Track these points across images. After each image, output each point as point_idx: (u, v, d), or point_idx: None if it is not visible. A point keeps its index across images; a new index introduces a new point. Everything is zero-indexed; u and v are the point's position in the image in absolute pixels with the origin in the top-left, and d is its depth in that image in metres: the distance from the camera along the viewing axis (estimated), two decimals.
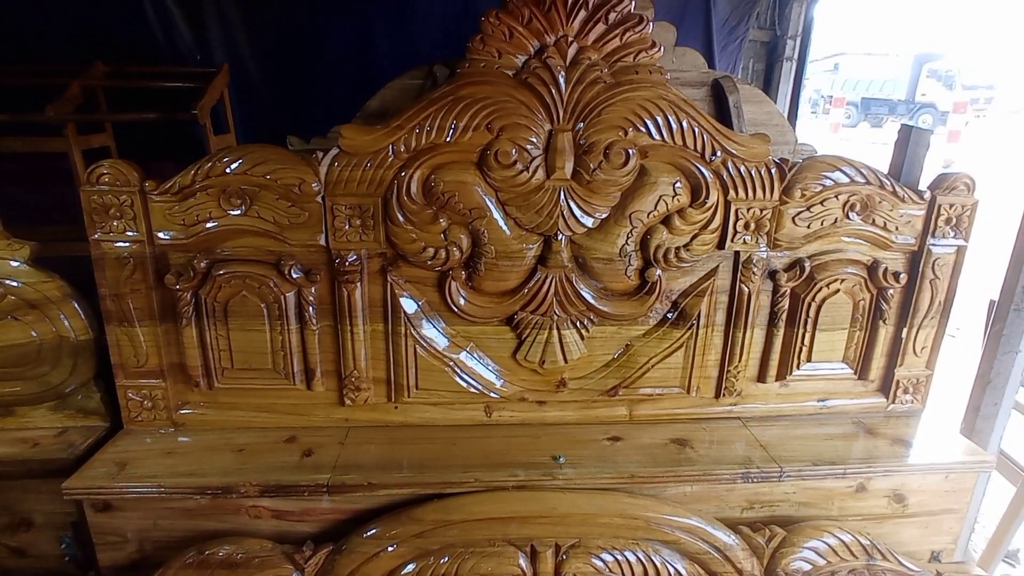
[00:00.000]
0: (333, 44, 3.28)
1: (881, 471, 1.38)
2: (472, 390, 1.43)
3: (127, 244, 1.29)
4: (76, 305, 1.40)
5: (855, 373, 1.55)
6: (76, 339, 1.40)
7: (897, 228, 1.43)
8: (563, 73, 1.25)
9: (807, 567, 1.31)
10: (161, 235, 1.30)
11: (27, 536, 1.44)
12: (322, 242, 1.31)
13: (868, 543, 1.33)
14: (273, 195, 1.28)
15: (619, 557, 1.28)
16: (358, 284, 1.34)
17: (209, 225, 1.30)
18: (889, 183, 1.40)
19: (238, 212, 1.29)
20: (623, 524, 1.27)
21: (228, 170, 1.27)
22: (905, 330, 1.50)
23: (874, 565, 1.33)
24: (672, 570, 1.29)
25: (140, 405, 1.39)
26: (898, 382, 1.55)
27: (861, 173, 1.38)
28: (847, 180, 1.38)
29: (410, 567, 1.25)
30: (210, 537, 1.26)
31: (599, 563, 1.28)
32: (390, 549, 1.24)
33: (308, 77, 3.29)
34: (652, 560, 1.29)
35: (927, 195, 1.42)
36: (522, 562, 1.27)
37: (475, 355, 1.43)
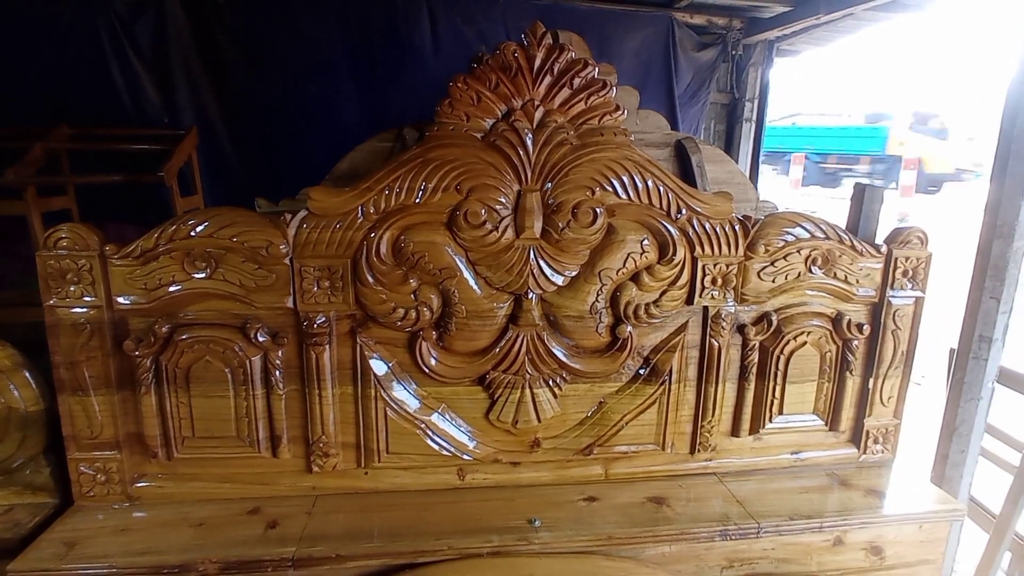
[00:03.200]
0: (302, 107, 3.33)
1: (857, 523, 1.37)
2: (444, 452, 1.40)
3: (84, 310, 1.25)
4: (27, 375, 1.33)
5: (826, 424, 1.56)
6: (26, 410, 1.33)
7: (858, 280, 1.47)
8: (530, 135, 1.28)
9: None
10: (121, 300, 1.27)
11: None
12: (290, 304, 1.29)
13: None
14: (239, 258, 1.26)
15: None
16: (326, 346, 1.31)
17: (172, 289, 1.27)
18: (847, 238, 1.45)
19: (203, 275, 1.26)
20: None
21: (193, 233, 1.25)
22: (872, 380, 1.53)
23: None
24: None
25: (92, 479, 1.32)
26: (868, 432, 1.57)
27: (820, 228, 1.43)
28: (808, 235, 1.43)
29: None
30: None
31: None
32: None
33: (277, 140, 3.32)
34: None
35: (884, 248, 1.47)
36: None
37: (447, 416, 1.40)
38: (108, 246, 1.24)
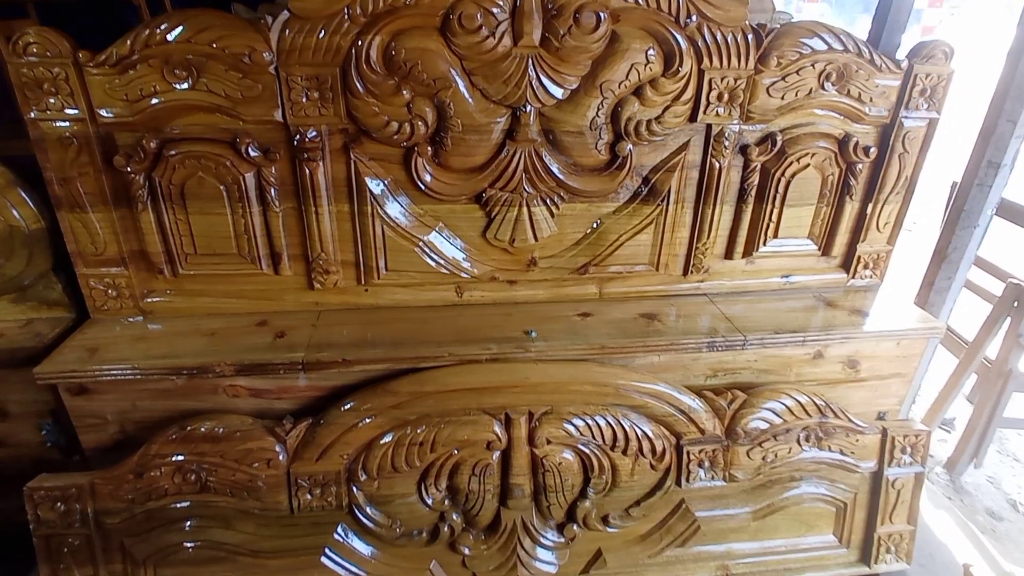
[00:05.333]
0: None
1: (839, 338, 1.44)
2: (442, 270, 1.43)
3: (68, 124, 1.21)
4: (22, 192, 1.33)
5: (819, 249, 1.58)
6: (27, 228, 1.34)
7: (871, 99, 1.41)
8: None
9: (764, 426, 1.40)
10: (104, 113, 1.22)
11: (3, 426, 1.46)
12: (279, 117, 1.24)
13: (822, 403, 1.42)
14: (222, 66, 1.19)
15: (590, 422, 1.35)
16: (320, 163, 1.29)
17: (154, 101, 1.21)
18: (867, 51, 1.36)
19: (185, 86, 1.20)
20: (593, 391, 1.33)
21: (169, 37, 1.17)
22: (870, 206, 1.52)
23: (826, 423, 1.43)
24: (640, 432, 1.37)
25: (104, 294, 1.37)
26: (859, 258, 1.59)
27: (840, 40, 1.34)
28: (825, 48, 1.34)
29: (388, 437, 1.30)
30: (191, 416, 1.28)
31: (570, 428, 1.35)
32: (368, 420, 1.28)
33: None
34: (621, 424, 1.36)
35: (904, 64, 1.39)
36: (497, 429, 1.33)
37: (444, 235, 1.41)
38: (81, 53, 1.17)
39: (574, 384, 1.31)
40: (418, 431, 1.30)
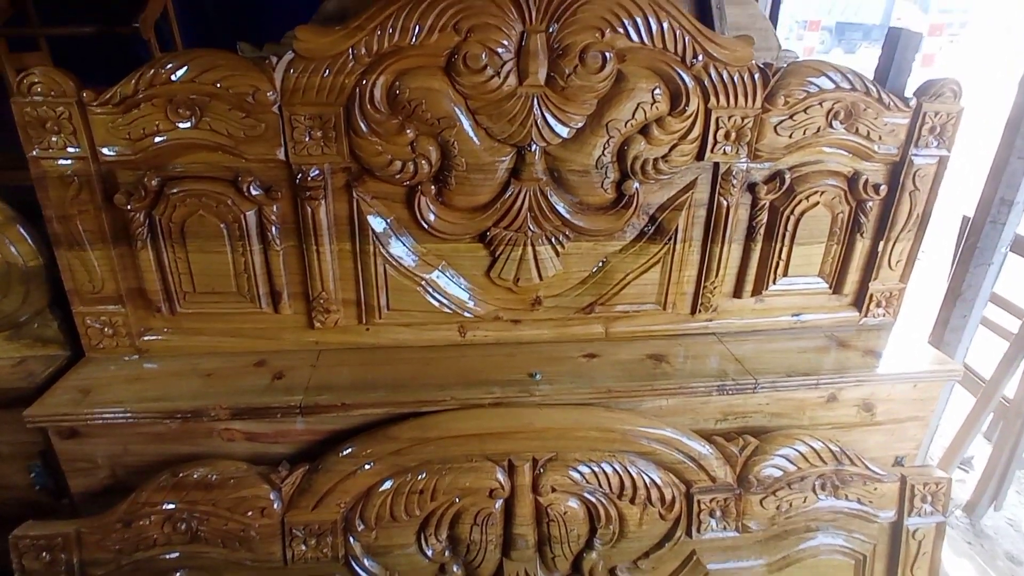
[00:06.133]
0: None
1: (853, 381, 1.40)
2: (445, 310, 1.40)
3: (69, 161, 1.20)
4: (20, 229, 1.31)
5: (830, 287, 1.55)
6: (25, 265, 1.33)
7: (880, 137, 1.39)
8: None
9: (778, 473, 1.35)
10: (106, 151, 1.21)
11: None
12: (281, 156, 1.23)
13: (837, 449, 1.37)
14: (225, 105, 1.19)
15: (596, 469, 1.30)
16: (322, 201, 1.27)
17: (157, 139, 1.20)
18: (875, 89, 1.35)
19: (188, 124, 1.20)
20: (600, 437, 1.28)
21: (174, 77, 1.16)
22: (882, 243, 1.49)
23: (842, 470, 1.38)
24: (647, 480, 1.32)
25: (100, 332, 1.34)
26: (871, 296, 1.56)
27: (847, 79, 1.33)
28: (832, 86, 1.33)
29: (388, 484, 1.26)
30: (184, 461, 1.25)
31: (576, 475, 1.30)
32: (367, 467, 1.23)
33: None
34: (628, 471, 1.31)
35: (913, 102, 1.37)
36: (500, 476, 1.28)
37: (447, 274, 1.39)
38: (86, 92, 1.17)
39: (580, 430, 1.27)
40: (419, 478, 1.26)
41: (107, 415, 1.21)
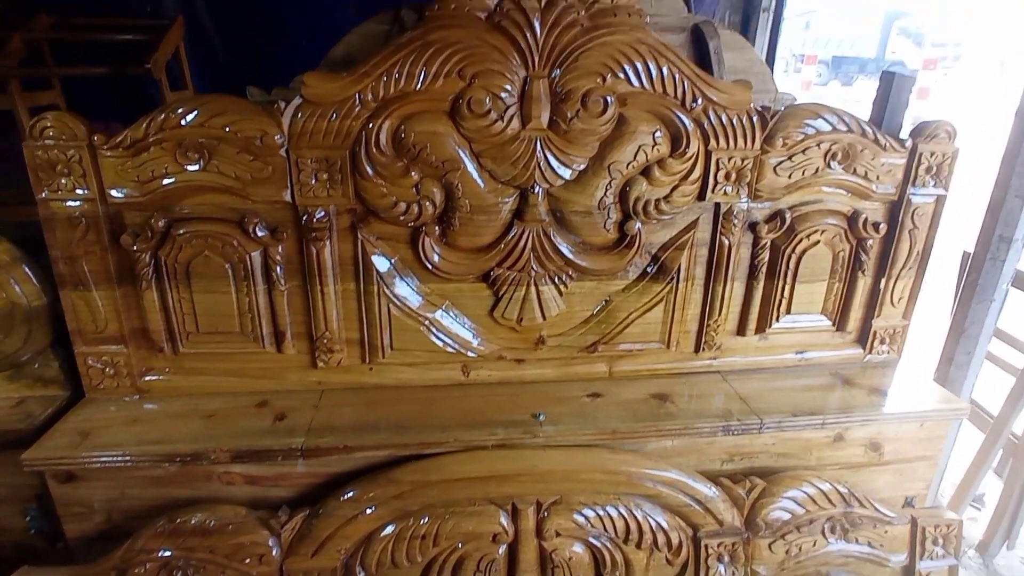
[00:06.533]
0: None
1: (859, 420, 1.39)
2: (449, 349, 1.40)
3: (78, 203, 1.21)
4: (26, 269, 1.32)
5: (833, 325, 1.55)
6: (29, 305, 1.33)
7: (878, 177, 1.41)
8: (538, 16, 1.18)
9: (786, 516, 1.32)
10: (114, 193, 1.22)
11: None
12: (287, 198, 1.24)
13: (846, 491, 1.35)
14: (233, 149, 1.21)
15: (601, 512, 1.28)
16: (327, 242, 1.28)
17: (166, 182, 1.22)
18: (871, 131, 1.37)
19: (196, 167, 1.21)
20: (604, 479, 1.27)
21: (183, 122, 1.19)
22: (883, 281, 1.50)
23: (852, 512, 1.35)
24: (653, 523, 1.29)
25: (102, 372, 1.33)
26: (875, 333, 1.56)
27: (843, 121, 1.35)
28: (829, 128, 1.35)
29: (389, 528, 1.23)
30: (181, 505, 1.22)
31: (581, 519, 1.28)
32: (369, 511, 1.21)
33: (266, 27, 3.12)
34: (634, 514, 1.29)
35: (908, 143, 1.40)
36: (503, 520, 1.26)
37: (451, 313, 1.39)
38: (97, 136, 1.19)
39: (584, 472, 1.25)
40: (421, 523, 1.23)
41: (105, 458, 1.19)
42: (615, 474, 1.26)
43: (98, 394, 1.35)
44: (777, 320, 1.50)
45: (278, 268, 1.29)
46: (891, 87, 1.47)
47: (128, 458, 1.19)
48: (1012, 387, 2.08)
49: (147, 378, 1.36)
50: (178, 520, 1.19)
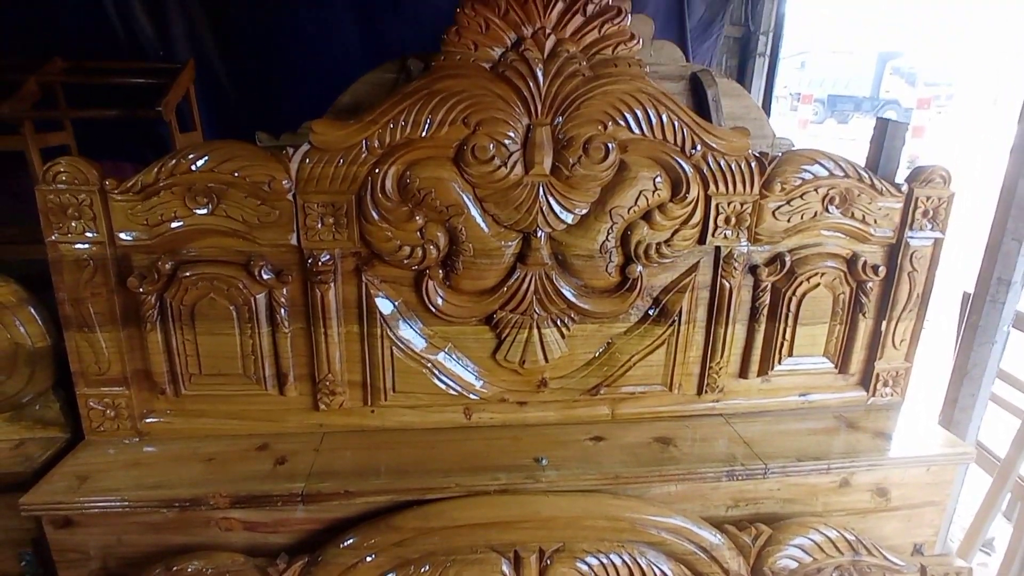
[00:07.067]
0: (301, 38, 3.20)
1: (865, 465, 1.37)
2: (451, 392, 1.40)
3: (86, 246, 1.23)
4: (32, 310, 1.32)
5: (836, 367, 1.55)
6: (32, 346, 1.33)
7: (875, 221, 1.43)
8: (541, 66, 1.22)
9: (793, 565, 1.30)
10: (123, 236, 1.24)
11: None
12: (293, 242, 1.26)
13: (853, 539, 1.33)
14: (242, 193, 1.23)
15: (604, 560, 1.26)
16: (331, 284, 1.29)
17: (174, 225, 1.24)
18: (867, 176, 1.40)
19: (204, 211, 1.23)
20: (608, 526, 1.25)
21: (194, 167, 1.21)
22: (884, 323, 1.50)
23: (860, 561, 1.33)
24: (658, 572, 1.27)
25: (102, 414, 1.33)
26: (878, 375, 1.55)
27: (839, 166, 1.38)
28: (826, 173, 1.37)
29: None
30: (178, 552, 1.20)
31: (584, 567, 1.25)
32: (369, 559, 1.19)
33: (276, 72, 3.21)
34: (638, 562, 1.26)
35: (904, 188, 1.42)
36: (505, 568, 1.24)
37: (454, 356, 1.39)
38: (108, 181, 1.21)
39: (587, 519, 1.24)
40: (422, 571, 1.21)
41: (103, 504, 1.18)
42: (618, 520, 1.25)
43: (98, 436, 1.34)
44: (779, 362, 1.50)
45: (282, 310, 1.30)
46: (885, 133, 1.50)
47: (126, 503, 1.18)
48: (1018, 430, 2.07)
49: (147, 420, 1.35)
50: (175, 568, 1.17)
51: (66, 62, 2.76)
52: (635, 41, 1.26)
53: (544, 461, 1.30)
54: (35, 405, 1.38)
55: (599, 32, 1.24)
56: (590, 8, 1.22)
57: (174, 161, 1.21)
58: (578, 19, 1.22)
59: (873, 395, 1.57)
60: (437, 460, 1.30)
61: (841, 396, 1.57)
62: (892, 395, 1.58)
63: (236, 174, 1.21)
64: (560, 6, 1.21)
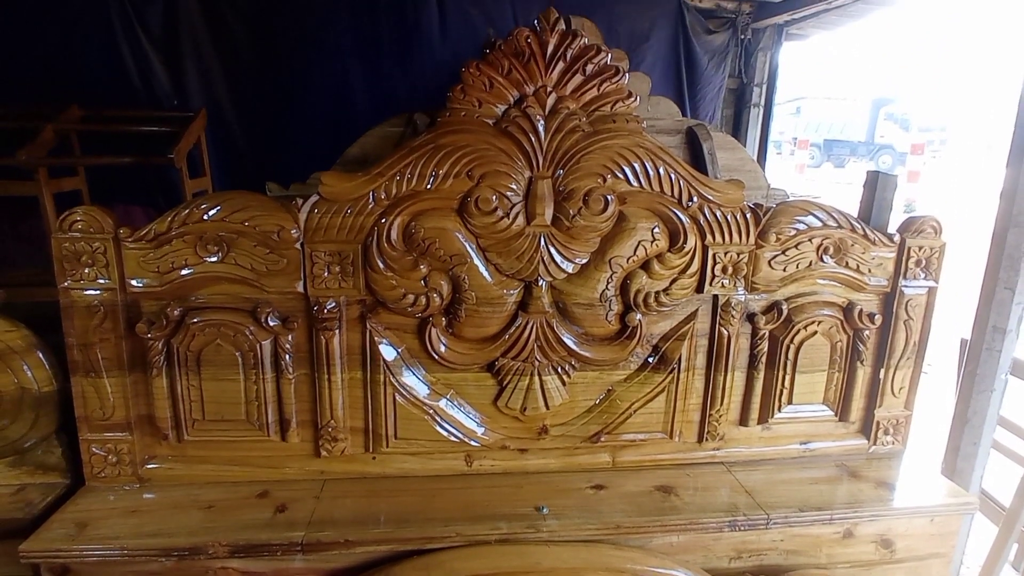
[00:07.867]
0: (311, 91, 3.32)
1: (868, 516, 1.37)
2: (452, 439, 1.40)
3: (98, 292, 1.26)
4: (40, 355, 1.34)
5: (836, 415, 1.55)
6: (39, 391, 1.34)
7: (870, 270, 1.46)
8: (542, 122, 1.27)
9: None
10: (134, 283, 1.27)
11: None
12: (300, 289, 1.29)
13: None
14: (251, 242, 1.26)
15: None
16: (336, 331, 1.31)
17: (184, 272, 1.27)
18: (860, 226, 1.43)
19: (215, 259, 1.26)
20: None
21: (206, 216, 1.25)
22: (883, 371, 1.52)
23: None
24: None
25: (104, 460, 1.33)
26: (878, 423, 1.56)
27: (832, 217, 1.42)
28: (819, 224, 1.41)
29: None
30: None
31: None
32: None
33: (286, 123, 3.31)
34: None
35: (896, 238, 1.45)
36: None
37: (455, 403, 1.40)
38: (122, 229, 1.24)
39: (588, 570, 1.22)
40: None
41: (101, 552, 1.17)
42: (620, 572, 1.23)
43: (99, 482, 1.34)
44: (779, 410, 1.51)
45: (287, 356, 1.32)
46: (876, 185, 1.55)
47: (124, 552, 1.17)
48: (1022, 478, 2.05)
49: (149, 466, 1.35)
50: None
51: (83, 110, 2.86)
52: (633, 98, 1.31)
53: (545, 510, 1.30)
54: (37, 450, 1.39)
55: (598, 90, 1.29)
56: (589, 68, 1.27)
57: (187, 211, 1.24)
58: (578, 78, 1.28)
59: (874, 443, 1.57)
60: (438, 508, 1.30)
61: (842, 444, 1.57)
62: (893, 443, 1.58)
63: (247, 223, 1.25)
64: (561, 66, 1.27)
